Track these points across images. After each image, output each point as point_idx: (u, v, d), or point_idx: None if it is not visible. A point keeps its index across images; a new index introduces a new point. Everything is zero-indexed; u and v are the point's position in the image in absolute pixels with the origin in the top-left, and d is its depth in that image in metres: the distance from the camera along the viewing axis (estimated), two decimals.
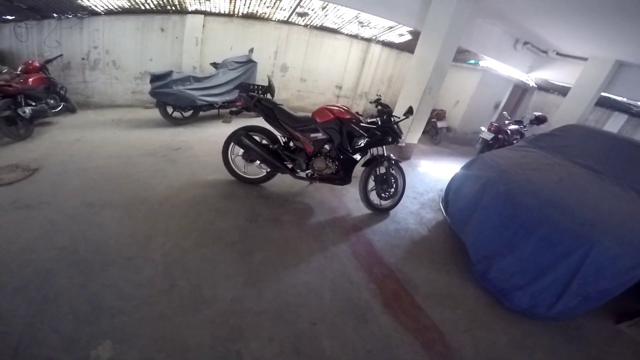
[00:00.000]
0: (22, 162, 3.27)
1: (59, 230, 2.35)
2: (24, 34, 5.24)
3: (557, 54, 6.92)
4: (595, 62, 6.24)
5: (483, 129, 6.36)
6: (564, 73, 7.18)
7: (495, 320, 2.32)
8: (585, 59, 6.43)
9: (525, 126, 6.69)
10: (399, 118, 3.24)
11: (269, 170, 3.36)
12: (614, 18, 4.12)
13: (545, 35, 6.07)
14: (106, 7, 5.38)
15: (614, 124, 8.11)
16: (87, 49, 5.66)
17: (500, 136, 6.12)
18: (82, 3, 5.08)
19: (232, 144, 3.29)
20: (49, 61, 4.88)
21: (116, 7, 5.41)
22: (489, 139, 6.11)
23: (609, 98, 7.17)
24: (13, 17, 5.09)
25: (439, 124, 7.12)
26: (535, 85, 8.95)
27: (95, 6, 5.27)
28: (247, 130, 3.23)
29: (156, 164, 3.63)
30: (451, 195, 3.37)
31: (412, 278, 2.56)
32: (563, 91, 7.62)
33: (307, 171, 3.23)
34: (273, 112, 3.10)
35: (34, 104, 4.17)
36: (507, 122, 6.65)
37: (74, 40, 5.54)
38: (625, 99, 7.06)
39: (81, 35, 5.55)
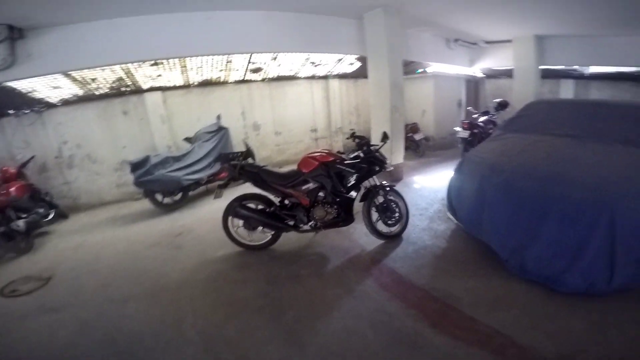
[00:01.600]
0: (33, 273, 3.39)
1: (91, 326, 2.44)
2: None
3: (486, 42, 7.52)
4: (520, 42, 6.92)
5: (458, 129, 6.64)
6: (500, 58, 7.77)
7: (558, 308, 2.19)
8: (510, 41, 7.05)
9: (493, 114, 7.03)
10: (377, 145, 3.38)
11: (273, 232, 3.36)
12: None
13: (468, 29, 6.58)
14: (61, 98, 5.41)
15: (567, 90, 8.66)
16: (57, 145, 5.61)
17: (475, 130, 6.39)
18: (34, 96, 5.08)
19: (230, 217, 3.31)
20: (23, 165, 4.81)
21: (70, 95, 5.44)
22: (467, 137, 6.37)
23: (550, 69, 7.78)
24: None
25: (416, 137, 7.40)
26: (484, 75, 9.53)
27: (49, 98, 5.29)
28: (241, 200, 3.27)
29: (164, 253, 3.64)
30: (454, 201, 3.42)
31: (450, 292, 2.48)
32: (509, 74, 8.08)
33: (310, 223, 3.25)
34: (259, 175, 3.17)
35: (24, 215, 4.09)
36: (475, 116, 6.98)
37: (41, 138, 5.48)
38: (562, 67, 7.66)
39: (46, 131, 5.52)
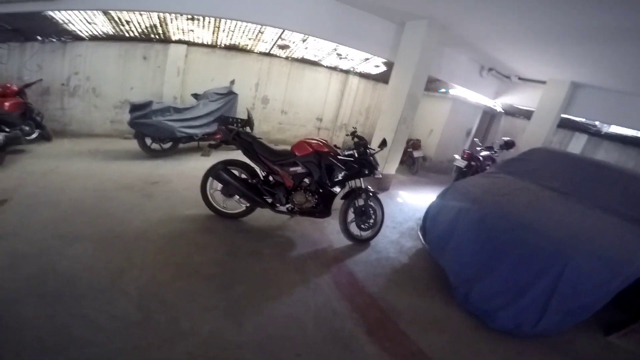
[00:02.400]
0: None
1: (26, 261, 2.27)
2: (4, 55, 5.13)
3: (519, 78, 7.44)
4: (553, 85, 6.76)
5: (457, 157, 6.64)
6: (526, 97, 7.70)
7: (482, 341, 2.36)
8: (544, 82, 6.95)
9: (495, 151, 7.03)
10: (374, 150, 3.37)
11: (248, 205, 3.35)
12: (566, 41, 4.51)
13: (506, 60, 6.53)
14: (90, 33, 5.42)
15: (576, 144, 8.64)
16: (67, 75, 5.61)
17: (473, 163, 6.41)
18: (67, 27, 5.10)
19: (211, 178, 3.28)
20: (27, 85, 4.78)
21: (100, 33, 5.45)
22: (462, 167, 6.38)
23: (569, 120, 7.71)
24: None
25: (415, 154, 7.36)
26: (502, 111, 9.50)
27: (80, 31, 5.29)
28: (226, 165, 3.24)
29: (133, 198, 3.55)
30: (428, 223, 3.46)
31: (395, 305, 2.59)
32: (527, 115, 8.07)
33: (287, 205, 3.26)
34: (252, 145, 3.14)
35: (7, 130, 3.98)
36: (478, 148, 6.98)
37: (55, 65, 5.49)
38: (583, 120, 7.61)
39: (63, 60, 5.52)
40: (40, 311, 1.89)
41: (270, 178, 3.31)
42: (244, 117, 6.01)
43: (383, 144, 3.30)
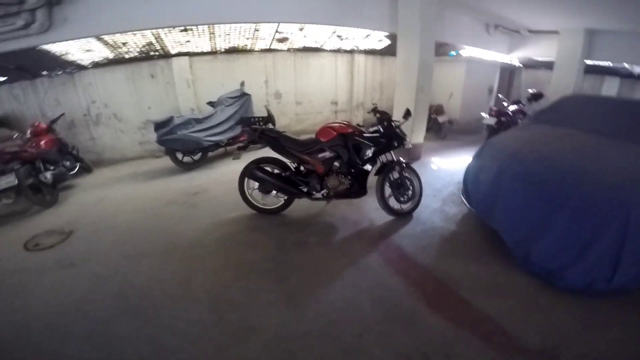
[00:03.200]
0: (56, 227, 3.48)
1: (105, 281, 2.53)
2: (21, 95, 5.40)
3: (529, 31, 7.03)
4: (567, 34, 6.38)
5: (484, 115, 6.40)
6: (542, 48, 7.32)
7: (553, 303, 2.19)
8: (556, 32, 6.54)
9: (524, 105, 6.70)
10: (399, 122, 3.32)
11: (286, 197, 3.44)
12: None
13: (511, 15, 6.20)
14: (92, 60, 5.60)
15: (609, 88, 8.13)
16: (86, 105, 5.85)
17: (503, 119, 6.14)
18: (67, 58, 5.29)
19: (246, 178, 3.39)
20: (54, 121, 4.97)
21: (101, 58, 5.62)
22: (493, 124, 6.13)
23: (596, 65, 7.24)
24: (5, 79, 5.29)
25: (440, 119, 7.17)
26: (521, 65, 9.03)
27: (81, 60, 5.48)
28: (258, 163, 3.33)
29: (179, 211, 3.77)
30: (470, 186, 3.37)
31: (451, 274, 2.51)
32: (549, 66, 7.61)
33: (323, 191, 3.29)
34: (278, 140, 3.20)
35: (52, 167, 4.25)
36: (505, 104, 6.68)
37: (71, 97, 5.72)
38: (610, 63, 7.11)
39: (77, 91, 5.74)
40: (130, 325, 2.08)
41: (302, 168, 3.36)
42: (263, 115, 6.06)
43: (407, 114, 3.25)
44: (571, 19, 5.73)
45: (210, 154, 5.67)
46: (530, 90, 6.85)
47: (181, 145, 5.03)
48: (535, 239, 2.43)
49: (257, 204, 3.52)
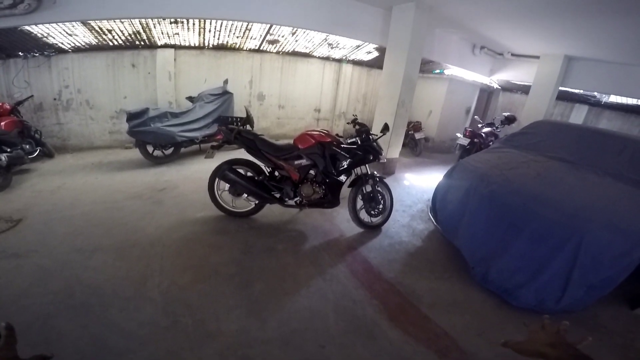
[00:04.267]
0: (3, 213, 3.19)
1: (51, 276, 2.35)
2: None
3: (512, 54, 7.36)
4: (547, 59, 6.70)
5: (459, 135, 6.62)
6: (522, 72, 7.63)
7: (506, 320, 2.34)
8: (537, 57, 6.88)
9: (497, 127, 7.00)
10: (376, 136, 3.35)
11: (257, 202, 3.37)
12: (558, 16, 4.42)
13: (497, 38, 6.45)
14: (73, 45, 5.32)
15: (577, 115, 8.59)
16: (58, 89, 5.54)
17: (476, 140, 6.37)
18: (48, 41, 5.00)
19: (217, 179, 3.29)
20: (19, 103, 4.72)
21: (83, 44, 5.36)
22: (466, 145, 6.35)
23: (568, 92, 7.65)
24: None
25: (417, 136, 7.33)
26: (499, 87, 9.43)
27: (62, 44, 5.20)
28: (231, 164, 3.24)
29: (143, 207, 3.58)
30: (438, 204, 3.46)
31: (414, 289, 2.59)
32: (525, 90, 8.00)
33: (296, 199, 3.26)
34: (254, 143, 3.13)
35: (8, 150, 3.99)
36: (480, 125, 6.95)
37: (43, 80, 5.40)
38: (581, 91, 7.54)
39: (51, 75, 5.43)
40: (73, 323, 1.95)
41: (276, 173, 3.31)
42: (243, 115, 5.97)
43: (385, 128, 3.28)
44: (553, 44, 6.03)
45: (183, 149, 5.47)
46: (504, 114, 7.18)
47: (153, 138, 4.81)
48: (494, 259, 2.58)
49: (227, 206, 3.42)
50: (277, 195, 3.27)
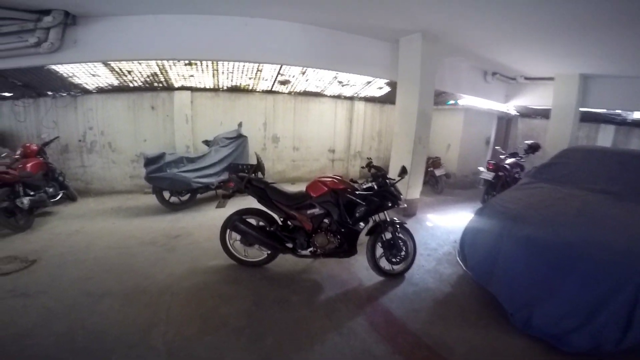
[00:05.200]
0: (20, 253, 3.33)
1: (57, 318, 2.35)
2: (22, 113, 5.39)
3: (525, 78, 7.19)
4: (562, 80, 6.47)
5: (482, 169, 6.32)
6: (538, 96, 7.41)
7: None
8: (551, 79, 6.66)
9: (521, 157, 6.66)
10: (394, 180, 3.18)
11: (270, 252, 3.22)
12: (570, 34, 4.32)
13: (508, 62, 6.34)
14: (97, 85, 5.65)
15: (605, 137, 8.16)
16: (83, 130, 5.80)
17: (500, 173, 6.04)
18: (73, 81, 5.34)
19: (228, 229, 3.20)
20: (46, 144, 4.89)
21: (106, 85, 5.68)
22: (490, 179, 6.02)
23: (591, 112, 7.30)
24: (10, 95, 5.32)
25: (437, 172, 7.03)
26: (517, 114, 9.17)
27: (87, 84, 5.53)
28: (242, 214, 3.16)
29: (156, 253, 3.57)
30: (467, 248, 3.17)
31: (444, 341, 2.32)
32: (544, 114, 7.72)
33: (310, 249, 3.09)
34: (265, 192, 3.06)
35: (32, 193, 4.11)
36: (502, 156, 6.65)
37: (69, 121, 5.68)
38: (604, 110, 7.19)
39: (76, 115, 5.71)
40: None
41: (289, 222, 3.17)
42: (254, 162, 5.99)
43: (403, 171, 3.12)
44: (566, 64, 5.85)
45: (199, 195, 5.50)
46: (527, 142, 6.85)
47: (169, 184, 4.88)
48: (538, 304, 2.36)
49: (239, 256, 3.29)
50: (290, 246, 3.11)
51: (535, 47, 5.18)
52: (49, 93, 5.54)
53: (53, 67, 4.81)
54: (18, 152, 4.54)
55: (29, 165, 4.26)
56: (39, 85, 5.33)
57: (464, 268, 3.19)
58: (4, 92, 5.36)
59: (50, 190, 4.61)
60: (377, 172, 3.15)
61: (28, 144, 4.66)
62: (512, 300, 2.50)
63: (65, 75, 5.19)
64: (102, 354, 2.02)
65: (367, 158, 3.60)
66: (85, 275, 2.99)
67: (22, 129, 5.53)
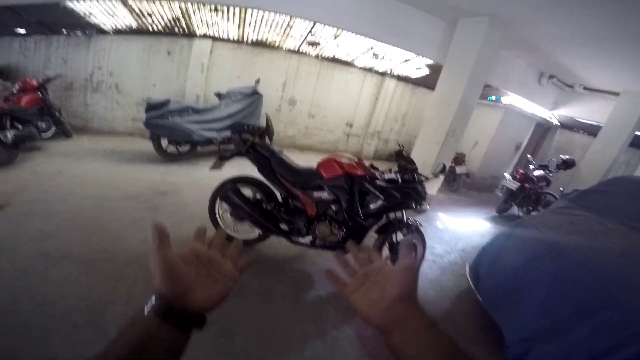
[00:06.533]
0: None
1: (3, 282, 2.07)
2: (31, 48, 5.20)
3: (585, 88, 6.48)
4: (629, 97, 5.77)
5: (507, 176, 5.76)
6: (591, 110, 6.75)
7: None
8: (616, 94, 5.97)
9: (551, 171, 6.07)
10: (426, 177, 2.66)
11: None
12: None
13: (573, 67, 5.65)
14: (114, 27, 5.29)
15: None
16: (91, 70, 5.53)
17: (526, 185, 5.51)
18: (90, 21, 5.00)
19: (218, 198, 2.78)
20: (48, 80, 4.66)
21: (124, 26, 5.30)
22: (514, 188, 5.50)
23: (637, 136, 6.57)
24: (24, 33, 5.10)
25: (458, 170, 6.49)
26: (559, 124, 8.42)
27: (104, 24, 5.18)
28: (236, 182, 2.72)
29: (136, 211, 3.20)
30: (483, 268, 2.76)
31: None
32: (590, 130, 7.12)
33: (308, 237, 2.67)
34: (269, 162, 2.59)
35: (20, 126, 3.86)
36: (531, 167, 6.05)
37: (79, 60, 5.43)
38: None
39: (87, 55, 5.45)
40: (4, 344, 1.66)
41: (290, 201, 2.74)
42: (262, 124, 5.53)
43: (442, 170, 2.64)
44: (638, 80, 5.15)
45: (199, 149, 5.13)
46: (562, 157, 6.21)
47: (169, 133, 4.49)
48: (542, 342, 2.09)
49: (227, 230, 2.86)
50: (286, 228, 2.70)
51: (610, 54, 4.49)
52: (64, 31, 5.21)
53: (69, 4, 4.42)
54: (16, 86, 4.35)
55: (24, 99, 4.13)
56: (54, 23, 4.98)
57: (473, 288, 2.80)
58: (19, 28, 5.06)
59: (42, 125, 4.43)
60: (406, 165, 2.62)
61: (27, 79, 4.46)
62: (516, 332, 2.22)
63: (82, 13, 4.77)
64: (41, 332, 1.75)
65: (399, 145, 3.09)
66: (50, 230, 2.65)
67: (29, 65, 5.29)
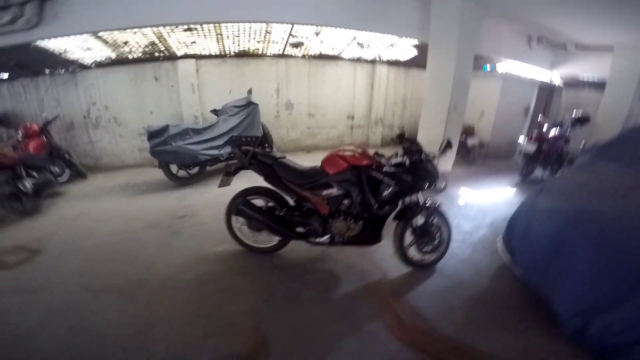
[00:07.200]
0: (26, 242, 3.23)
1: (57, 317, 2.23)
2: (21, 92, 5.27)
3: (577, 46, 6.27)
4: (624, 51, 5.58)
5: (522, 140, 5.61)
6: (591, 65, 6.55)
7: None
8: (610, 48, 5.77)
9: (567, 129, 5.86)
10: (433, 155, 2.59)
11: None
12: None
13: (559, 27, 5.46)
14: (94, 60, 5.35)
15: None
16: (86, 106, 5.61)
17: (544, 146, 5.33)
18: (68, 57, 5.05)
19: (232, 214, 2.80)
20: (48, 123, 4.74)
21: (104, 58, 5.36)
22: (532, 151, 5.33)
23: None
24: (6, 76, 5.17)
25: (470, 142, 6.37)
26: (561, 85, 8.16)
27: (83, 59, 5.24)
28: (246, 195, 2.73)
29: (159, 238, 3.31)
30: (517, 238, 2.64)
31: (480, 347, 2.01)
32: (595, 86, 6.86)
33: (326, 236, 2.64)
34: (272, 169, 2.59)
35: (35, 175, 3.95)
36: (545, 127, 5.85)
37: (71, 97, 5.50)
38: None
39: (77, 92, 5.52)
40: None
41: (302, 204, 2.72)
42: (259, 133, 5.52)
43: (447, 146, 2.56)
44: (632, 32, 4.93)
45: (208, 168, 5.16)
46: (575, 113, 5.99)
47: (175, 158, 4.54)
48: (601, 312, 1.96)
49: (247, 241, 2.91)
50: (302, 231, 2.68)
51: (595, 10, 4.32)
52: (46, 71, 5.29)
53: (42, 44, 4.45)
54: (20, 133, 4.43)
55: (31, 145, 4.18)
56: (33, 64, 5.05)
57: (511, 261, 2.69)
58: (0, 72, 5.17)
59: (56, 169, 4.50)
60: (410, 146, 2.53)
61: (29, 125, 4.53)
62: (570, 304, 2.08)
63: (56, 51, 4.83)
64: (99, 358, 1.89)
65: (399, 129, 3.04)
66: (86, 267, 2.81)
67: (25, 109, 5.39)
